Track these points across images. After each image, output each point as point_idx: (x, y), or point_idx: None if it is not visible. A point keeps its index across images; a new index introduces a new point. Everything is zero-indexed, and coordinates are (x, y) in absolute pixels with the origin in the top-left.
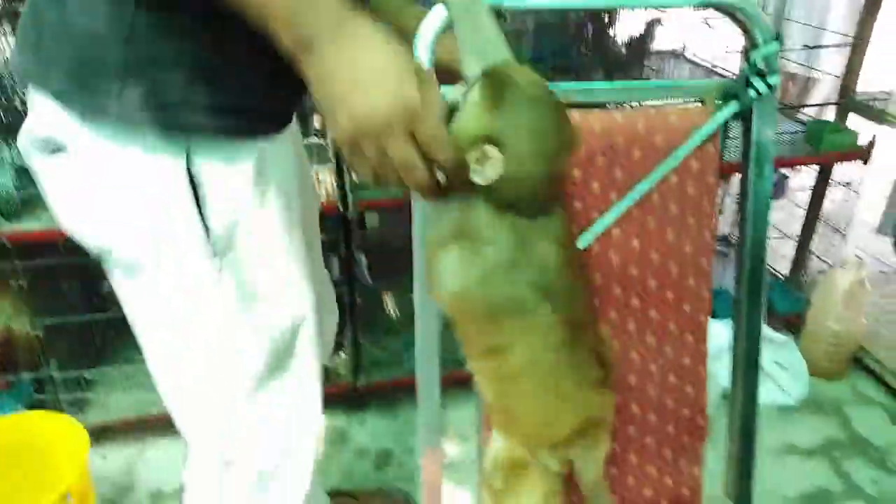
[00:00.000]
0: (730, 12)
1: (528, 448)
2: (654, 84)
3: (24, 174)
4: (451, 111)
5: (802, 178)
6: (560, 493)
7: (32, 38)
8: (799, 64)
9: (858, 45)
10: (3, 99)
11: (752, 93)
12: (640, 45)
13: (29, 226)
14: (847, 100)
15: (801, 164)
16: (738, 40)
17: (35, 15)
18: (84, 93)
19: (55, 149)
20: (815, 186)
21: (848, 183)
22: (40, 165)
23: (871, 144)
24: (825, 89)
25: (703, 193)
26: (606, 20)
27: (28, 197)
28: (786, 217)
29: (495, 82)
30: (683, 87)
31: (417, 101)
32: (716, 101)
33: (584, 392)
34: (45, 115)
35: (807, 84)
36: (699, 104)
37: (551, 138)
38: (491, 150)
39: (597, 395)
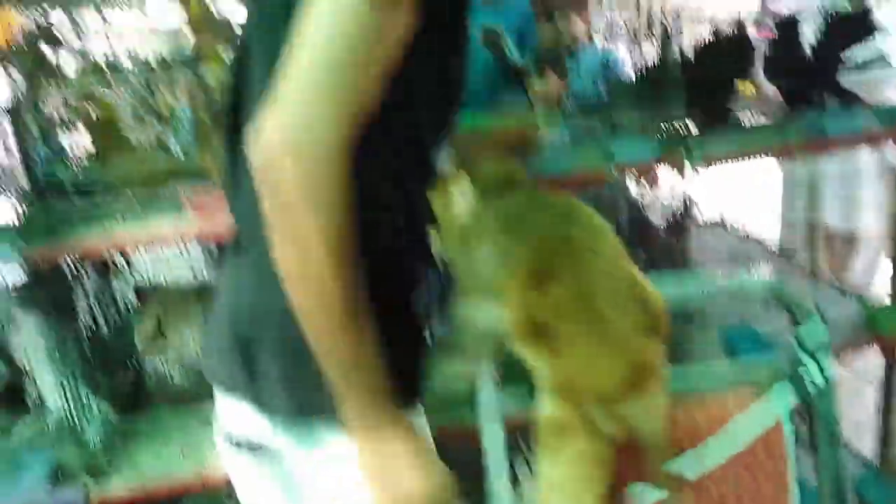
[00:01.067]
0: (774, 294)
1: (583, 406)
2: (707, 368)
3: (110, 426)
4: None
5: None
6: (609, 462)
7: (240, 354)
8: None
9: None
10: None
11: (809, 384)
12: (679, 222)
13: (117, 485)
14: None
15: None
16: (775, 203)
17: (241, 329)
18: (302, 404)
19: (253, 447)
20: (886, 374)
21: None
22: (235, 461)
23: None
24: (870, 252)
25: (774, 474)
26: (641, 204)
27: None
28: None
29: None
30: (738, 370)
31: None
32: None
33: (633, 338)
34: (244, 418)
35: (849, 245)
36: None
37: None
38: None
39: (645, 340)
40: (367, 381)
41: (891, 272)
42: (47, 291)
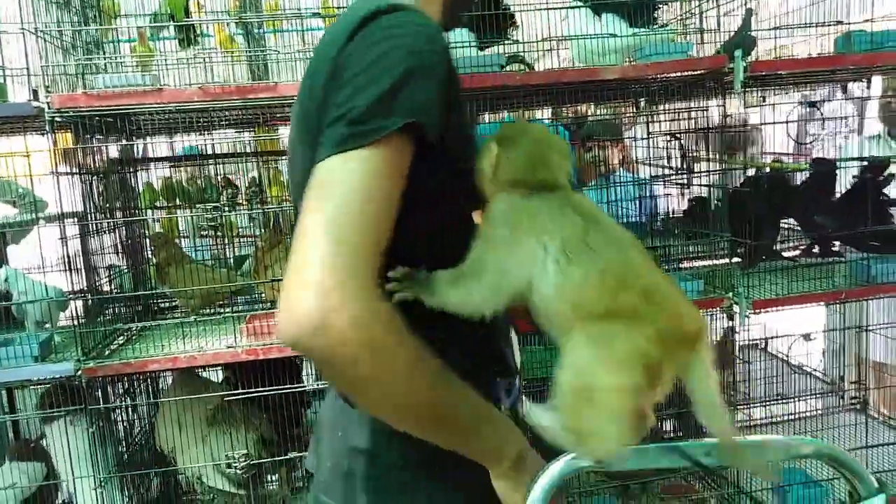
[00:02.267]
0: (832, 463)
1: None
2: None
3: None
4: None
5: None
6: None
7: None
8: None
9: None
10: None
11: None
12: (722, 352)
13: None
14: None
15: None
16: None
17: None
18: None
19: None
20: None
21: None
22: None
23: None
24: None
25: None
26: None
27: None
28: None
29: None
30: None
31: None
32: None
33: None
34: None
35: None
36: None
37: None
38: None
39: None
40: (492, 438)
41: None
42: (95, 402)
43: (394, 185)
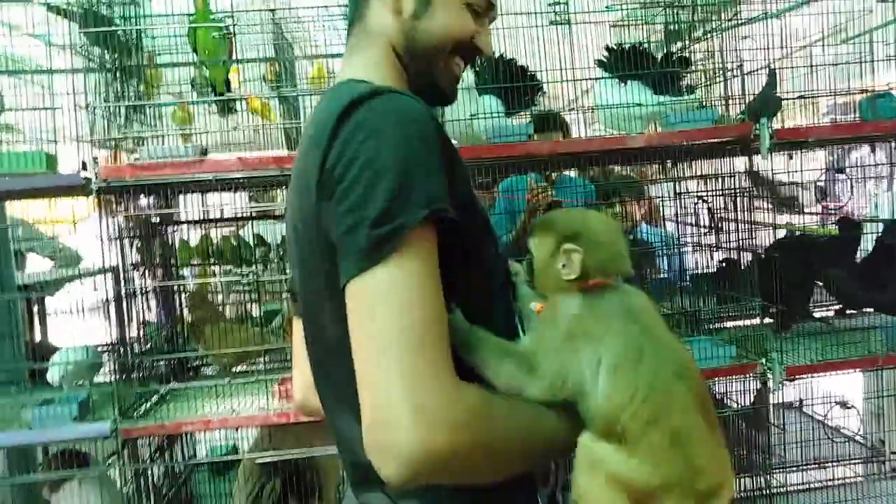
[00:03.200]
0: None
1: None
2: None
3: None
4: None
5: None
6: None
7: None
8: None
9: None
10: None
11: None
12: (757, 414)
13: None
14: None
15: None
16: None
17: None
18: None
19: None
20: None
21: None
22: None
23: None
24: None
25: None
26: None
27: None
28: None
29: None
30: None
31: None
32: None
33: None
34: None
35: None
36: None
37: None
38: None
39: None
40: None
41: None
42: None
43: (436, 277)
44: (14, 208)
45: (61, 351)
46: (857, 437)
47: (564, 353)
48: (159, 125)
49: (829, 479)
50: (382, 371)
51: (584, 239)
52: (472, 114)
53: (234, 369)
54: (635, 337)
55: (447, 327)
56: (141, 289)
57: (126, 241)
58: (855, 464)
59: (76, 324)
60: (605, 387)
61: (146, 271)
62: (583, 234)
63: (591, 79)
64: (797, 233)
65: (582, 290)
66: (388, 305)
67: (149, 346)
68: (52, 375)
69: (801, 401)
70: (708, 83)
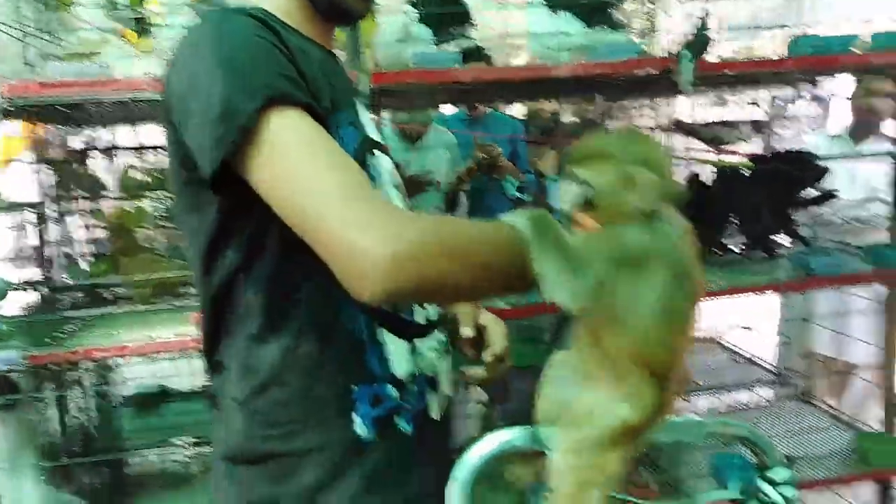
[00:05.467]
0: (743, 441)
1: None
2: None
3: None
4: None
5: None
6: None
7: None
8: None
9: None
10: None
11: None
12: None
13: None
14: None
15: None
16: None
17: None
18: None
19: None
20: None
21: None
22: None
23: None
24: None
25: None
26: None
27: None
28: None
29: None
30: None
31: None
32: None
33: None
34: None
35: (844, 377)
36: None
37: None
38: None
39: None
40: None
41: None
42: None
43: (320, 131)
44: None
45: None
46: (766, 364)
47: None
48: (71, 45)
49: (738, 403)
50: (318, 197)
51: (651, 163)
52: (397, 39)
53: (154, 301)
54: (681, 266)
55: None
56: (57, 218)
57: (44, 169)
58: (763, 388)
59: None
60: (644, 314)
61: (61, 201)
62: (648, 158)
63: (520, 7)
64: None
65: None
66: (289, 148)
67: (65, 277)
68: None
69: (717, 332)
70: (641, 17)
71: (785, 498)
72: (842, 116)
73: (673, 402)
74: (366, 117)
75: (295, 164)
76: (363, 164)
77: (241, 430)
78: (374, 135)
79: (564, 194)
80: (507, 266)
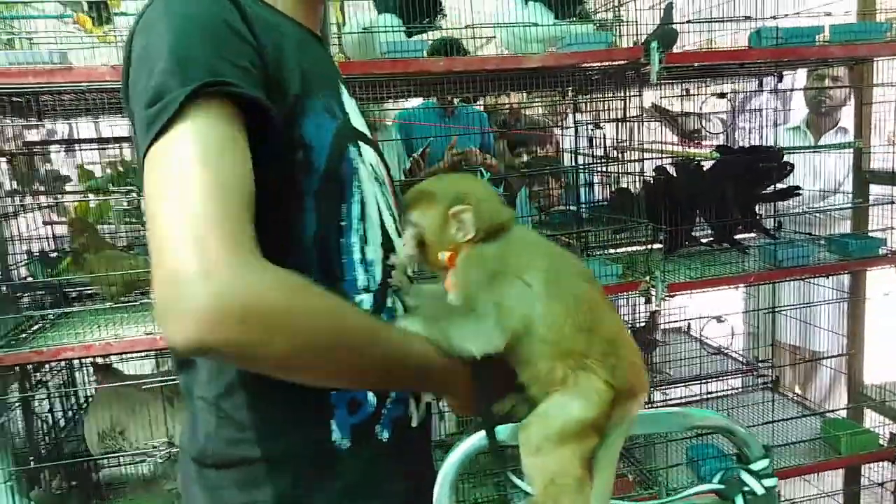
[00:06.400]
0: (724, 433)
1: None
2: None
3: None
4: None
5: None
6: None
7: None
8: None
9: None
10: None
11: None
12: (645, 336)
13: None
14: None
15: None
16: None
17: None
18: None
19: None
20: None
21: (881, 483)
22: None
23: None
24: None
25: None
26: None
27: None
28: None
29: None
30: None
31: None
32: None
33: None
34: None
35: (810, 366)
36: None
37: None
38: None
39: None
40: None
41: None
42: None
43: (226, 148)
44: None
45: None
46: (735, 354)
47: (495, 292)
48: (23, 32)
49: (710, 393)
50: (168, 230)
51: (468, 198)
52: (364, 27)
53: (122, 299)
54: (550, 258)
55: (247, 203)
56: (14, 213)
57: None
58: (732, 378)
59: None
60: (542, 309)
61: (21, 195)
62: (465, 194)
63: None
64: (687, 160)
65: (481, 241)
66: (172, 169)
67: (27, 276)
68: None
69: (687, 322)
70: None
71: (766, 488)
72: (800, 109)
73: (639, 381)
74: (351, 105)
75: (176, 176)
76: (340, 157)
77: (211, 432)
78: (359, 125)
79: (406, 240)
80: (387, 362)
